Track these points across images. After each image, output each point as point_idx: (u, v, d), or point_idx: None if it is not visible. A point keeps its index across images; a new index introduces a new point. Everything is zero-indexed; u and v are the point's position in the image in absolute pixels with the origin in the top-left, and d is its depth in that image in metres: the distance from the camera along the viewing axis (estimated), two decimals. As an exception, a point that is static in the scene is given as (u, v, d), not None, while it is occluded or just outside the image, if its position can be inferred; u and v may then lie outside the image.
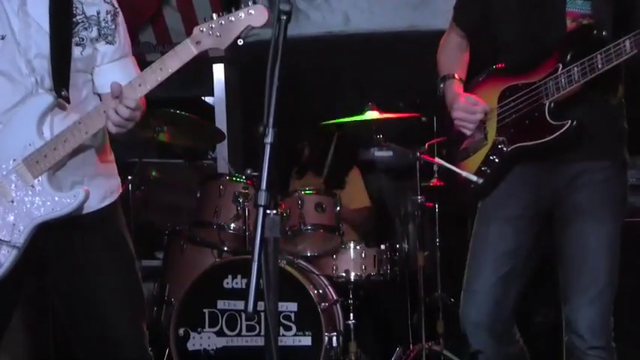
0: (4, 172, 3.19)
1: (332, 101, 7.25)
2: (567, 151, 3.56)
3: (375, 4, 7.48)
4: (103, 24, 3.39)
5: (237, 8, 3.11)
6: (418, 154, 5.62)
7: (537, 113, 3.56)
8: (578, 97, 3.52)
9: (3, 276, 3.18)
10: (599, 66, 3.37)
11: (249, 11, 3.08)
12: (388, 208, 7.51)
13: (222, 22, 3.13)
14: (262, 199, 2.43)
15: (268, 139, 2.46)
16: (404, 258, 6.21)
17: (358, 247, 5.95)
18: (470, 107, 3.74)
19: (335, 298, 5.68)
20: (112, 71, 3.43)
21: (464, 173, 3.78)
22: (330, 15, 7.54)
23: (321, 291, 5.55)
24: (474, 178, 3.75)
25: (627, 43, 3.30)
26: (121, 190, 3.51)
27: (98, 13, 3.38)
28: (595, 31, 3.46)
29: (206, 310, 5.41)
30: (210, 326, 5.40)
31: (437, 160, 4.06)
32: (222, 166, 7.78)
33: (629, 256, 4.02)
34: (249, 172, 5.76)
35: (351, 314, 5.74)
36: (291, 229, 5.70)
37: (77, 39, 3.31)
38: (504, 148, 3.69)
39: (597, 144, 3.58)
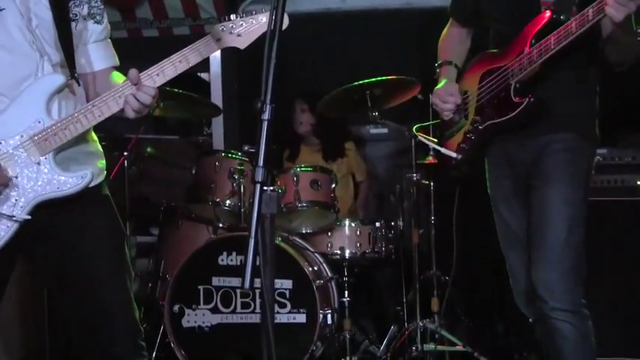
0: (11, 147, 3.19)
1: (327, 78, 7.24)
2: (532, 126, 3.84)
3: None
4: (93, 3, 3.42)
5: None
6: (413, 131, 5.61)
7: (504, 93, 3.87)
8: (543, 77, 3.80)
9: (1, 249, 3.19)
10: (552, 47, 3.63)
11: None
12: (383, 186, 7.52)
13: (244, 24, 3.25)
14: (259, 175, 2.43)
15: (265, 116, 2.46)
16: (399, 235, 6.21)
17: (353, 225, 5.96)
18: (443, 96, 4.11)
19: (330, 275, 5.69)
20: (97, 50, 3.48)
21: (443, 150, 4.18)
22: (328, -9, 7.54)
23: (315, 268, 5.57)
24: (454, 154, 4.12)
25: (573, 24, 3.54)
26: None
27: None
28: (554, 16, 3.72)
29: (201, 287, 5.42)
30: (204, 303, 5.41)
31: (420, 137, 4.60)
32: (218, 142, 7.78)
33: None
34: (246, 148, 5.77)
35: (346, 291, 5.75)
36: (287, 205, 5.70)
37: (71, 14, 3.33)
38: (479, 127, 4.02)
39: (562, 119, 3.83)
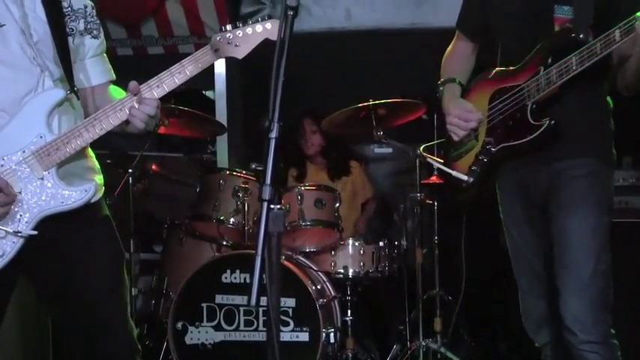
0: (14, 164, 3.19)
1: (332, 97, 7.25)
2: (549, 150, 3.65)
3: (377, 0, 7.48)
4: (89, 18, 3.44)
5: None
6: (418, 151, 5.61)
7: (520, 114, 3.69)
8: (560, 98, 3.63)
9: (6, 265, 3.19)
10: (574, 67, 3.47)
11: (267, 25, 3.25)
12: (387, 205, 7.53)
13: (240, 33, 3.26)
14: (267, 193, 2.43)
15: (273, 134, 2.47)
16: (402, 255, 6.22)
17: (357, 244, 5.97)
18: (465, 115, 3.89)
19: (333, 294, 5.69)
20: (95, 65, 3.50)
21: (454, 173, 3.96)
22: (332, 10, 7.53)
23: (319, 287, 5.56)
24: (465, 177, 3.91)
25: (598, 45, 3.39)
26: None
27: (85, 7, 3.45)
28: (572, 35, 3.55)
29: (204, 305, 5.42)
30: (208, 320, 5.40)
31: (429, 159, 4.29)
32: (222, 160, 7.79)
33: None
34: (253, 166, 5.78)
35: (349, 310, 5.76)
36: (291, 224, 5.70)
37: (68, 29, 3.35)
38: (492, 149, 3.82)
39: (580, 142, 3.67)
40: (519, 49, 3.76)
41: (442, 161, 4.14)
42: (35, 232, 3.20)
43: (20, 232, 3.17)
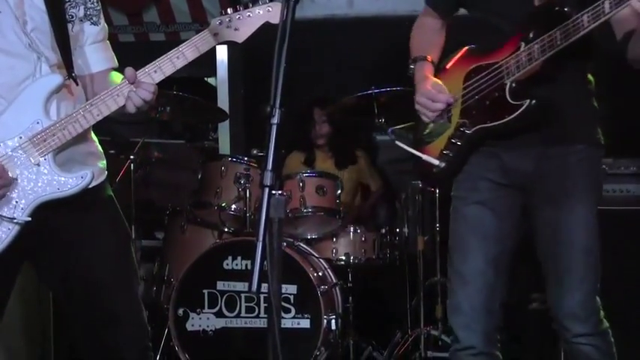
0: (10, 149, 3.18)
1: (334, 84, 7.25)
2: (533, 133, 3.44)
3: (379, -12, 7.47)
4: (89, 4, 3.41)
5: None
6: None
7: (498, 93, 3.43)
8: (545, 77, 3.39)
9: (3, 252, 3.17)
10: (558, 42, 3.23)
11: (267, 8, 3.20)
12: (392, 192, 7.53)
13: (240, 17, 3.22)
14: (268, 179, 2.43)
15: (275, 120, 2.47)
16: (403, 242, 6.22)
17: (358, 231, 5.98)
18: (433, 95, 3.59)
19: (334, 281, 5.70)
20: (95, 52, 3.46)
21: (424, 157, 3.68)
22: (334, -4, 7.54)
23: (320, 274, 5.56)
24: (436, 162, 3.63)
25: (585, 17, 3.15)
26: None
27: None
28: (556, 7, 3.30)
29: (205, 291, 5.43)
30: (209, 307, 5.42)
31: (397, 142, 3.90)
32: (224, 147, 7.79)
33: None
34: (254, 152, 5.78)
35: (350, 297, 5.77)
36: (292, 211, 5.71)
37: (67, 16, 3.33)
38: (466, 131, 3.56)
39: (567, 126, 3.48)
40: (497, 25, 3.53)
41: (415, 146, 3.81)
42: (29, 219, 3.18)
43: (15, 219, 3.17)
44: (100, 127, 3.34)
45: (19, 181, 3.19)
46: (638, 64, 3.36)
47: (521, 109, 3.35)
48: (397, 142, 3.90)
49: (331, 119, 6.64)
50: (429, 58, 3.76)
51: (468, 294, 3.60)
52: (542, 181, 3.50)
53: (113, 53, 3.54)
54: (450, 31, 3.91)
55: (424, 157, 3.67)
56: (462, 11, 3.82)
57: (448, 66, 3.74)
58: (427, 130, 3.72)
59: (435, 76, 3.71)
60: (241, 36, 3.24)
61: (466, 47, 3.70)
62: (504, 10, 3.50)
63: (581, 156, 3.49)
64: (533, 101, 3.34)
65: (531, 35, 3.33)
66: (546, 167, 3.49)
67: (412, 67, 3.79)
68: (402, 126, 4.59)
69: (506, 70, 3.40)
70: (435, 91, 3.59)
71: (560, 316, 3.51)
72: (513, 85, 3.38)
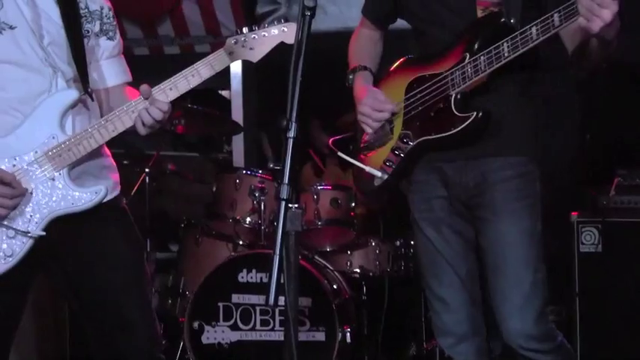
0: (26, 163, 3.19)
1: (347, 96, 7.24)
2: (474, 145, 3.39)
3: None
4: (105, 19, 3.43)
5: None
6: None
7: (443, 105, 3.38)
8: (487, 88, 3.35)
9: (16, 265, 3.18)
10: (506, 54, 3.20)
11: (283, 28, 3.22)
12: (403, 205, 7.51)
13: (256, 37, 3.24)
14: (284, 192, 2.43)
15: (291, 134, 2.47)
16: (418, 254, 6.20)
17: (373, 243, 5.96)
18: (377, 104, 3.54)
19: (349, 293, 5.68)
20: (111, 67, 3.48)
21: (367, 168, 3.61)
22: (347, 9, 7.51)
23: (335, 286, 5.56)
24: (379, 173, 3.57)
25: (534, 29, 3.12)
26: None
27: (101, 8, 3.43)
28: (502, 19, 3.29)
29: (220, 304, 5.42)
30: (224, 320, 5.41)
31: (339, 153, 3.82)
32: (238, 159, 7.80)
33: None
34: (271, 165, 5.79)
35: (365, 310, 5.75)
36: (307, 223, 5.71)
37: (83, 31, 3.34)
38: (409, 142, 3.51)
39: (509, 139, 3.42)
40: (438, 35, 3.48)
41: (355, 156, 3.76)
42: (44, 233, 3.19)
43: (29, 232, 3.18)
44: (114, 140, 3.34)
45: (33, 195, 3.20)
46: (588, 72, 3.34)
47: (467, 122, 3.32)
48: (339, 154, 3.84)
49: (329, 128, 6.63)
50: (367, 66, 3.75)
51: (451, 316, 3.60)
52: (486, 195, 3.43)
53: (127, 68, 3.56)
54: (387, 42, 3.90)
55: (367, 168, 3.61)
56: (400, 22, 3.79)
57: (388, 76, 3.71)
58: (367, 141, 3.68)
59: (375, 85, 3.68)
60: (256, 55, 3.26)
61: (405, 57, 3.68)
62: (445, 21, 3.47)
63: (523, 170, 3.43)
64: (480, 113, 3.30)
65: (476, 46, 3.30)
66: (488, 179, 3.43)
67: (351, 77, 3.76)
68: (342, 136, 4.55)
69: (452, 82, 3.36)
70: (378, 101, 3.54)
71: (512, 335, 3.42)
72: (458, 97, 3.35)
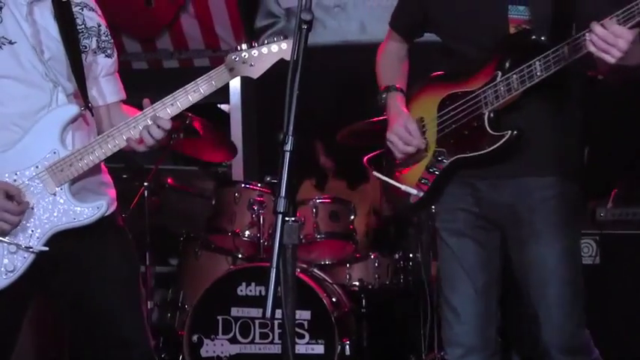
0: (27, 179, 3.20)
1: (347, 110, 7.26)
2: (511, 164, 3.38)
3: (391, 13, 7.47)
4: (103, 37, 3.45)
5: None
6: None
7: (477, 123, 3.38)
8: (518, 105, 3.34)
9: (17, 280, 3.19)
10: (538, 73, 3.20)
11: (282, 45, 3.22)
12: (402, 218, 7.51)
13: (256, 53, 3.24)
14: (281, 206, 2.44)
15: (288, 147, 2.48)
16: (417, 267, 6.20)
17: (372, 256, 5.96)
18: (406, 138, 3.54)
19: (348, 306, 5.68)
20: (109, 84, 3.51)
21: (403, 187, 3.61)
22: (347, 23, 7.54)
23: (334, 299, 5.56)
24: (414, 191, 3.57)
25: (566, 48, 3.12)
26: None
27: (99, 25, 3.45)
28: (533, 37, 3.28)
29: (220, 317, 5.42)
30: (223, 333, 5.41)
31: (375, 173, 3.84)
32: (237, 173, 7.81)
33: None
34: (268, 179, 5.79)
35: (364, 323, 5.75)
36: (306, 237, 5.72)
37: (81, 47, 3.36)
38: (444, 160, 3.51)
39: (542, 158, 3.41)
40: (470, 52, 3.46)
41: (388, 173, 3.75)
42: (46, 248, 3.20)
43: (31, 248, 3.18)
44: (113, 154, 3.35)
45: (35, 210, 3.21)
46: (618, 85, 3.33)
47: (502, 140, 3.31)
48: (375, 173, 3.86)
49: (333, 152, 6.64)
50: (399, 86, 3.72)
51: (462, 327, 3.58)
52: (524, 214, 3.42)
53: (122, 85, 3.57)
54: (412, 57, 3.88)
55: (403, 187, 3.61)
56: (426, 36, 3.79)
57: (420, 92, 3.68)
58: (401, 159, 3.65)
59: (407, 102, 3.67)
60: (256, 72, 3.27)
61: (435, 73, 3.66)
62: (473, 36, 3.45)
63: (558, 189, 3.42)
64: (515, 132, 3.29)
65: (507, 65, 3.30)
66: (527, 199, 3.42)
67: (384, 96, 3.73)
68: (375, 153, 4.36)
69: (484, 100, 3.35)
70: (407, 134, 3.54)
71: (553, 350, 3.43)
72: (491, 115, 3.34)
